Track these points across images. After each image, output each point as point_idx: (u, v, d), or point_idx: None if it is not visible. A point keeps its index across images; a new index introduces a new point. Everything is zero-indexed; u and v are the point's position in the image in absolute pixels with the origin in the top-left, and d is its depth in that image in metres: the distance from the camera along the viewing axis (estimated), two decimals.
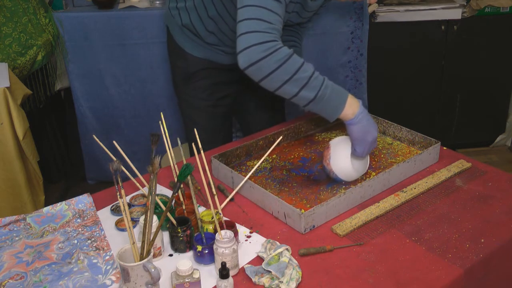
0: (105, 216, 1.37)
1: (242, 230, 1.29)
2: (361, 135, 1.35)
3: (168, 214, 1.15)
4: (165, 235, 1.26)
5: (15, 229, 1.32)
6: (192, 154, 1.73)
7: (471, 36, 2.93)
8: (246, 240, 1.25)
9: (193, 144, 1.33)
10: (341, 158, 1.40)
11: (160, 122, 1.35)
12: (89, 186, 2.98)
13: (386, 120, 1.72)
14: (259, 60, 1.24)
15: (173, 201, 1.31)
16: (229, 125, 1.92)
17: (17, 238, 1.28)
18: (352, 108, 1.32)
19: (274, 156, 1.63)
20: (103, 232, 1.30)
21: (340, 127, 1.82)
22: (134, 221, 1.32)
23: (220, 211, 1.22)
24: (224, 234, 1.14)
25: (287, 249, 1.16)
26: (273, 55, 1.24)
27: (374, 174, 1.49)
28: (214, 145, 1.71)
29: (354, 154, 1.40)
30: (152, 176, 1.04)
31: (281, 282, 1.08)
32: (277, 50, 1.25)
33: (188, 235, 1.20)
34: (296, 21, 1.63)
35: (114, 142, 1.34)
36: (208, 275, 1.14)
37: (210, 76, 1.75)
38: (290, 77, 1.26)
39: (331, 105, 1.31)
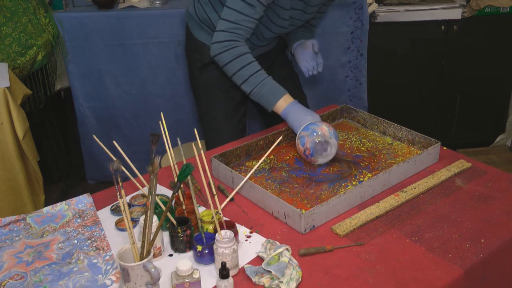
0: (105, 216, 1.37)
1: (242, 230, 1.29)
2: (290, 125, 1.62)
3: (168, 214, 1.15)
4: (165, 235, 1.26)
5: (15, 229, 1.32)
6: (208, 148, 1.89)
7: (471, 36, 2.93)
8: (246, 240, 1.25)
9: (193, 144, 1.33)
10: None
11: (160, 122, 1.35)
12: (89, 186, 2.98)
13: (386, 120, 1.72)
14: (218, 53, 1.62)
15: (173, 201, 1.31)
16: (244, 112, 1.97)
17: (17, 238, 1.28)
18: (281, 108, 1.61)
19: (272, 157, 1.62)
20: (103, 232, 1.30)
21: (340, 127, 1.82)
22: (134, 221, 1.32)
23: (220, 211, 1.22)
24: (224, 234, 1.14)
25: (287, 249, 1.16)
26: (228, 52, 1.60)
27: (370, 174, 1.49)
28: (230, 129, 1.88)
29: None
30: (152, 176, 1.04)
31: (281, 282, 1.08)
32: (232, 48, 1.59)
33: (188, 235, 1.20)
34: (303, 18, 1.74)
35: (114, 142, 1.34)
36: (208, 275, 1.14)
37: None
38: (236, 71, 1.61)
39: (264, 101, 1.63)
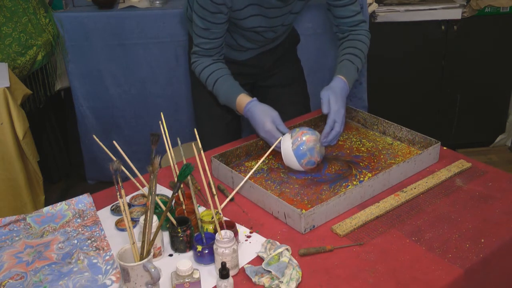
0: (105, 216, 1.37)
1: (242, 230, 1.29)
2: (253, 126, 1.60)
3: (168, 214, 1.15)
4: (165, 235, 1.26)
5: (15, 229, 1.32)
6: (204, 150, 1.84)
7: (471, 36, 2.93)
8: (246, 240, 1.25)
9: (193, 144, 1.33)
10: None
11: (160, 122, 1.35)
12: (89, 186, 2.98)
13: (386, 120, 1.72)
14: (195, 74, 1.73)
15: (173, 201, 1.31)
16: (236, 114, 1.94)
17: (17, 238, 1.28)
18: (240, 109, 1.62)
19: (270, 157, 1.62)
20: (103, 232, 1.30)
21: None
22: (134, 221, 1.32)
23: (220, 211, 1.22)
24: (224, 234, 1.14)
25: (287, 249, 1.16)
26: (195, 72, 1.72)
27: (370, 174, 1.49)
28: (217, 131, 1.91)
29: None
30: (152, 176, 1.04)
31: (281, 282, 1.08)
32: (195, 68, 1.70)
33: (188, 235, 1.20)
34: (266, 24, 1.66)
35: (114, 142, 1.34)
36: (208, 275, 1.14)
37: None
38: (206, 87, 1.70)
39: (231, 107, 1.66)
